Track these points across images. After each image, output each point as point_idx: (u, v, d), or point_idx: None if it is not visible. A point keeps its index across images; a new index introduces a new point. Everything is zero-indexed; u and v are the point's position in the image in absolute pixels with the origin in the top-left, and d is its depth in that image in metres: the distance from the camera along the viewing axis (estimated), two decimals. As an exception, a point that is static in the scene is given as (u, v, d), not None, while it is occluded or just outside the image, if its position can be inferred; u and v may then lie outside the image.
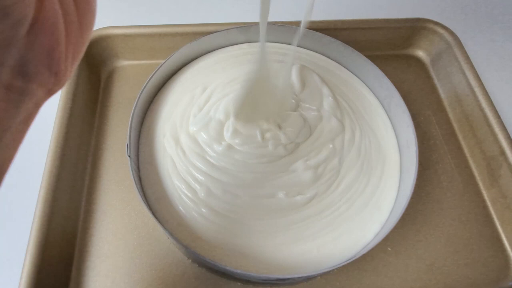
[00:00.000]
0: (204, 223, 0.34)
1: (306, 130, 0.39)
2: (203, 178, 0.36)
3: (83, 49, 0.19)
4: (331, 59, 0.46)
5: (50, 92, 0.18)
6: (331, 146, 0.39)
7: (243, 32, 0.44)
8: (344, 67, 0.46)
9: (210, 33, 0.43)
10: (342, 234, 0.35)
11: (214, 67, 0.44)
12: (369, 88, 0.44)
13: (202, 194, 0.35)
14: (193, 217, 0.34)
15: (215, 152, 0.37)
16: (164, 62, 0.40)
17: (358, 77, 0.45)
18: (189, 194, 0.35)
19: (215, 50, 0.46)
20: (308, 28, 0.44)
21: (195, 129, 0.38)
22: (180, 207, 0.35)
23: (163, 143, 0.38)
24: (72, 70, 0.19)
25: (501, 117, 0.42)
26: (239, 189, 0.36)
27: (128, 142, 0.35)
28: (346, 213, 0.36)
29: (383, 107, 0.43)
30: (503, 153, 0.40)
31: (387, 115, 0.43)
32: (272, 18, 0.47)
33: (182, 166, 0.37)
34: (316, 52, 0.46)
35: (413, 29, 0.50)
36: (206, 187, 0.35)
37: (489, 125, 0.42)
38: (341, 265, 0.31)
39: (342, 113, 0.41)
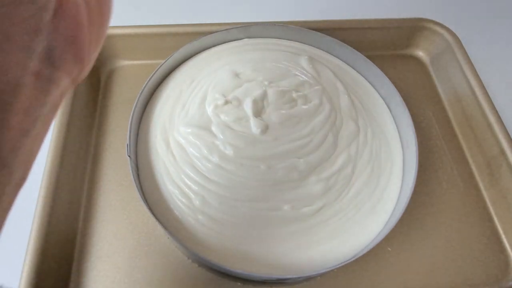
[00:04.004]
0: (202, 229, 0.33)
1: (333, 148, 0.37)
2: (196, 188, 0.34)
3: (103, 36, 0.19)
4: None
5: (74, 81, 0.18)
6: (346, 155, 0.37)
7: (243, 32, 0.44)
8: (345, 67, 0.46)
9: (210, 33, 0.43)
10: (348, 239, 0.34)
11: (209, 59, 0.43)
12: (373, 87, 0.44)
13: (197, 202, 0.34)
14: (190, 223, 0.33)
15: (206, 167, 0.35)
16: (164, 62, 0.40)
17: (362, 75, 0.45)
18: (184, 201, 0.34)
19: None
20: (309, 28, 0.44)
21: (179, 138, 0.37)
22: (175, 212, 0.34)
23: (156, 145, 0.37)
24: (93, 58, 0.19)
25: (501, 117, 0.42)
26: (238, 202, 0.34)
27: (128, 142, 0.35)
28: (354, 218, 0.35)
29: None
30: (503, 153, 0.40)
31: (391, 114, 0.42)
32: (271, 17, 0.48)
33: (174, 172, 0.35)
34: (318, 49, 0.46)
35: (413, 29, 0.50)
36: (201, 196, 0.34)
37: (489, 125, 0.42)
38: (341, 265, 0.31)
39: (357, 113, 0.40)
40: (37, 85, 0.15)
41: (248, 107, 0.37)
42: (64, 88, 0.17)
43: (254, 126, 0.36)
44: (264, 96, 0.38)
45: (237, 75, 0.40)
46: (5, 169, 0.15)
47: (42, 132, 0.17)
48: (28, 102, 0.15)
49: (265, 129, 0.36)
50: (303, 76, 0.41)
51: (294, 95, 0.38)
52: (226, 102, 0.37)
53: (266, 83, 0.39)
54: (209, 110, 0.37)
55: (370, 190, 0.36)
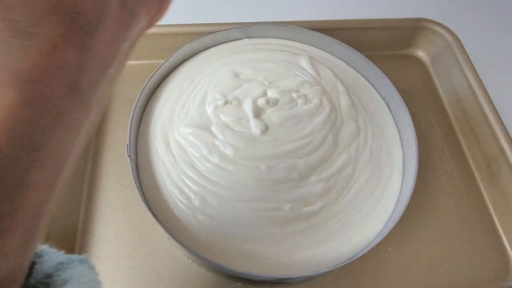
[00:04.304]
0: (202, 229, 0.33)
1: (333, 148, 0.37)
2: (196, 188, 0.34)
3: None
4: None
5: (150, 23, 0.18)
6: (347, 155, 0.37)
7: (243, 32, 0.44)
8: (345, 66, 0.46)
9: (210, 33, 0.43)
10: (349, 239, 0.34)
11: (209, 59, 0.43)
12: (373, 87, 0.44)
13: (197, 202, 0.34)
14: (190, 223, 0.33)
15: (206, 167, 0.35)
16: (164, 62, 0.40)
17: (362, 75, 0.45)
18: (183, 201, 0.34)
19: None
20: (309, 28, 0.44)
21: (179, 138, 0.36)
22: (175, 212, 0.34)
23: (156, 145, 0.37)
24: (170, 3, 0.19)
25: (501, 117, 0.42)
26: (237, 202, 0.34)
27: (128, 142, 0.35)
28: (354, 218, 0.34)
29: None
30: (503, 153, 0.40)
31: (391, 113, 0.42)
32: (272, 18, 0.47)
33: (174, 172, 0.35)
34: (319, 48, 0.46)
35: (413, 29, 0.50)
36: (201, 196, 0.34)
37: (489, 125, 0.42)
38: (341, 265, 0.31)
39: (357, 113, 0.40)
40: (121, 15, 0.15)
41: (248, 107, 0.37)
42: (142, 27, 0.17)
43: (254, 127, 0.36)
44: (264, 96, 0.38)
45: (237, 75, 0.40)
46: (83, 105, 0.14)
47: (116, 76, 0.16)
48: (111, 32, 0.14)
49: (265, 129, 0.36)
50: (303, 76, 0.41)
51: (294, 95, 0.38)
52: (226, 102, 0.37)
53: (266, 83, 0.39)
54: (209, 110, 0.37)
55: (371, 190, 0.36)
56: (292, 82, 0.40)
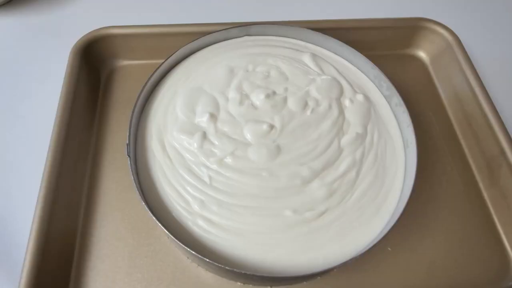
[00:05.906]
0: (201, 232, 0.33)
1: (337, 153, 0.36)
2: (194, 192, 0.33)
3: None
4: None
5: None
6: (351, 159, 0.36)
7: (243, 31, 0.44)
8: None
9: (210, 33, 0.43)
10: (351, 242, 0.33)
11: (207, 56, 0.42)
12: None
13: (196, 206, 0.33)
14: (189, 223, 0.33)
15: (203, 172, 0.34)
16: (164, 62, 0.40)
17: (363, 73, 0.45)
18: (182, 204, 0.33)
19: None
20: (309, 28, 0.44)
21: (174, 143, 0.36)
22: (175, 213, 0.33)
23: (152, 147, 0.37)
24: None
25: (501, 117, 0.42)
26: (238, 208, 0.33)
27: (128, 142, 0.35)
28: (357, 221, 0.34)
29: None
30: (503, 153, 0.40)
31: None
32: (272, 17, 0.48)
33: (171, 175, 0.34)
34: (319, 47, 0.46)
35: (413, 29, 0.50)
36: (200, 200, 0.33)
37: (489, 125, 0.42)
38: (341, 265, 0.31)
39: (369, 119, 0.39)
40: None
41: (249, 132, 0.36)
42: None
43: (252, 154, 0.35)
44: (271, 95, 0.38)
45: (232, 71, 0.40)
46: None
47: None
48: None
49: (276, 153, 0.35)
50: (310, 75, 0.40)
51: (309, 101, 0.38)
52: (212, 116, 0.36)
53: (273, 85, 0.38)
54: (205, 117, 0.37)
55: (374, 193, 0.35)
56: (301, 81, 0.39)
